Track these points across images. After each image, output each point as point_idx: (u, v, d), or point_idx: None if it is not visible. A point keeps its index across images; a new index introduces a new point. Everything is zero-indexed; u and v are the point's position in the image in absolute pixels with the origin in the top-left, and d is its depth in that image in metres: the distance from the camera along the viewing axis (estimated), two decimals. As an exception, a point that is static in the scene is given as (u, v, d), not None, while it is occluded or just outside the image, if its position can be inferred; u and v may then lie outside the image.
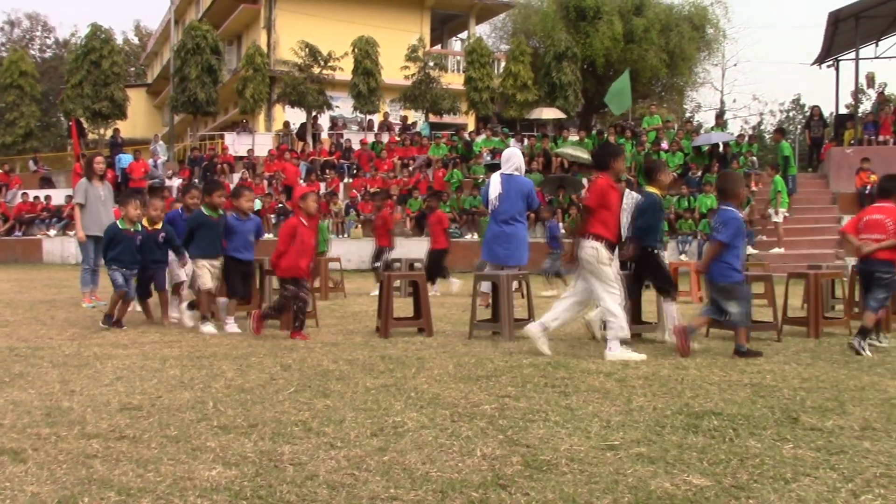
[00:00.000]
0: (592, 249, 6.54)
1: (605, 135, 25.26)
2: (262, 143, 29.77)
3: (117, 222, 8.78)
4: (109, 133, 31.26)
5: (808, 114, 26.44)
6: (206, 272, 8.27)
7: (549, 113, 29.46)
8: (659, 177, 7.81)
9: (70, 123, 31.37)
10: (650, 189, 7.76)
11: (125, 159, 26.73)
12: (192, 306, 8.61)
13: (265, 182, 24.64)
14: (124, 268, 8.58)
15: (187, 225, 8.53)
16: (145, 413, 4.42)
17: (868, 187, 20.05)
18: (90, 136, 32.98)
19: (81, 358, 6.38)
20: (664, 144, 23.63)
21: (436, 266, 13.64)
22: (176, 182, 25.54)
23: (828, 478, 3.30)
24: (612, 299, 6.56)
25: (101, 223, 10.62)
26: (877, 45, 25.71)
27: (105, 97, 30.32)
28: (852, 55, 23.80)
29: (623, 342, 6.55)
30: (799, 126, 53.73)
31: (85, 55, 30.63)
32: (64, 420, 4.25)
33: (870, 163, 20.66)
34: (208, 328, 8.10)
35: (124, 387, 5.17)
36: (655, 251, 7.65)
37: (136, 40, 66.75)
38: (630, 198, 13.89)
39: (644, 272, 7.71)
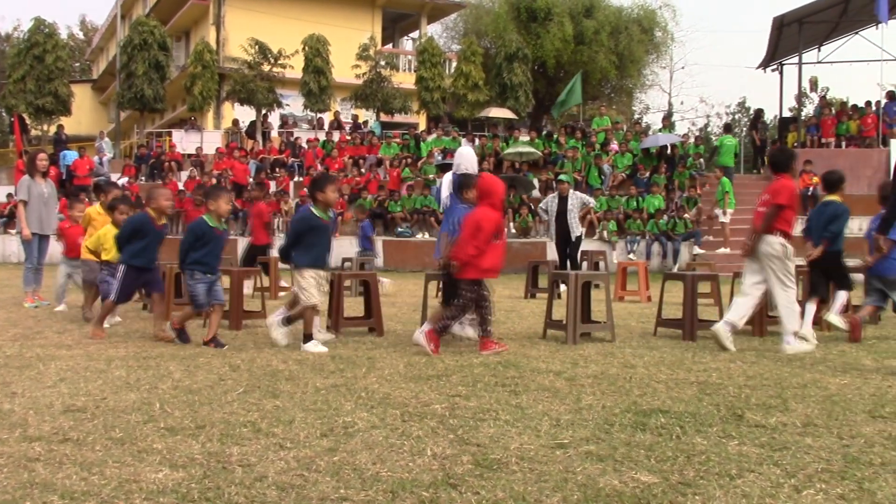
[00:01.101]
0: (781, 246, 6.95)
1: (556, 135, 25.48)
2: (210, 141, 29.40)
3: (205, 218, 7.36)
4: (53, 129, 30.62)
5: (752, 116, 26.96)
6: (314, 284, 7.03)
7: (500, 113, 29.61)
8: (843, 186, 8.31)
9: (12, 119, 30.68)
10: (834, 198, 8.21)
11: (70, 156, 26.22)
12: (288, 321, 7.28)
13: (213, 180, 24.33)
14: (209, 273, 7.24)
15: (293, 228, 7.35)
16: (90, 415, 4.34)
17: (811, 189, 20.51)
18: (33, 133, 32.26)
19: (23, 359, 6.23)
20: (613, 145, 23.90)
21: (251, 261, 13.04)
22: (122, 180, 25.11)
23: (771, 473, 3.37)
24: (789, 294, 6.99)
25: (43, 221, 10.45)
26: (819, 50, 26.36)
27: (49, 93, 29.69)
28: (796, 59, 24.34)
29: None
30: (744, 128, 54.81)
31: (28, 50, 29.95)
32: (5, 423, 4.15)
33: (812, 165, 21.14)
34: (317, 348, 6.84)
35: (68, 388, 5.07)
36: (841, 253, 8.20)
37: (81, 35, 65.42)
38: (575, 198, 14.03)
39: (830, 272, 8.19)
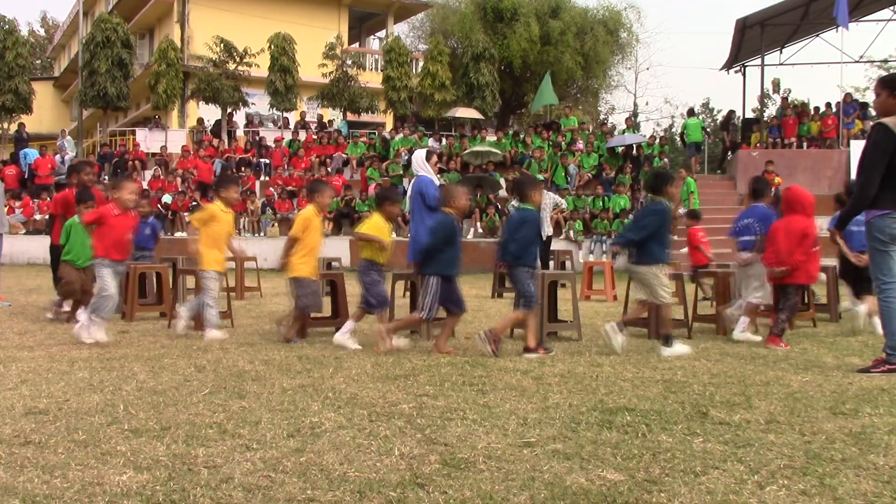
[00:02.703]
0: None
1: (522, 135, 25.55)
2: (175, 140, 29.10)
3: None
4: (14, 128, 30.12)
5: (724, 117, 27.32)
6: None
7: (467, 113, 29.64)
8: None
9: (-29, 118, 30.15)
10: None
11: (31, 155, 25.82)
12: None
13: (178, 179, 24.13)
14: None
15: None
16: (52, 417, 4.28)
17: (773, 189, 20.76)
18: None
19: (-17, 361, 6.13)
20: (579, 145, 24.03)
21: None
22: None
23: (735, 470, 3.41)
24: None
25: None
26: (781, 52, 26.74)
27: (9, 90, 29.17)
28: (758, 61, 24.65)
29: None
30: (708, 129, 55.37)
31: (-13, 46, 29.43)
32: (-36, 426, 4.08)
33: (774, 165, 21.42)
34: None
35: (29, 390, 4.99)
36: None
37: (42, 32, 64.46)
38: (547, 198, 14.07)
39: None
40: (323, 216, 7.93)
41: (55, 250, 9.50)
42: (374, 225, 7.49)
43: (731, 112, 27.57)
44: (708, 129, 24.23)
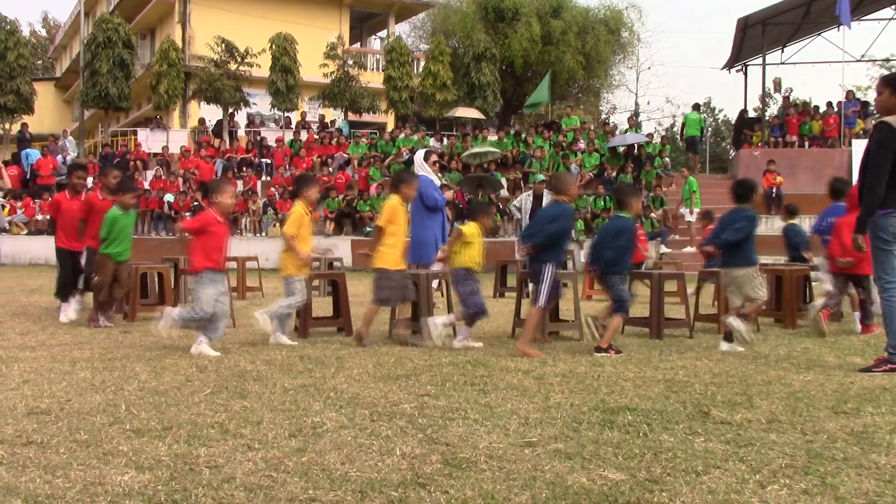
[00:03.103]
0: None
1: (524, 135, 25.54)
2: (176, 140, 29.09)
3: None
4: (16, 128, 30.12)
5: (737, 116, 27.19)
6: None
7: (468, 113, 29.63)
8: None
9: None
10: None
11: (33, 155, 25.82)
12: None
13: (179, 180, 24.14)
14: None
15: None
16: (54, 417, 4.28)
17: (774, 189, 20.78)
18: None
19: (-15, 361, 6.14)
20: (581, 145, 24.02)
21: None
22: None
23: (737, 470, 3.41)
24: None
25: None
26: (782, 51, 26.71)
27: (10, 91, 29.16)
28: (760, 60, 24.63)
29: None
30: (710, 128, 55.28)
31: (-12, 47, 29.45)
32: (-34, 426, 4.09)
33: (776, 164, 21.42)
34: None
35: (31, 390, 5.00)
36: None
37: (43, 32, 64.48)
38: (549, 198, 14.11)
39: None
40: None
41: (60, 252, 9.40)
42: (471, 234, 7.50)
43: (744, 110, 27.45)
44: (706, 128, 24.35)
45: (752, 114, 27.69)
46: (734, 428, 4.12)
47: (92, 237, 8.84)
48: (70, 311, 9.10)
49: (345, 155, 25.60)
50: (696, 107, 27.43)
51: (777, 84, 29.02)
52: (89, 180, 22.12)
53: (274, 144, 26.82)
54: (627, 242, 6.94)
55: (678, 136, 25.66)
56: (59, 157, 26.60)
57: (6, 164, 26.08)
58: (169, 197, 23.09)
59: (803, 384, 5.34)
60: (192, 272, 7.05)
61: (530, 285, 10.25)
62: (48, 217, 9.69)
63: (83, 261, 9.09)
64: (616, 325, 6.87)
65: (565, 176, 7.66)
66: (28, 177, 25.45)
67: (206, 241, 6.85)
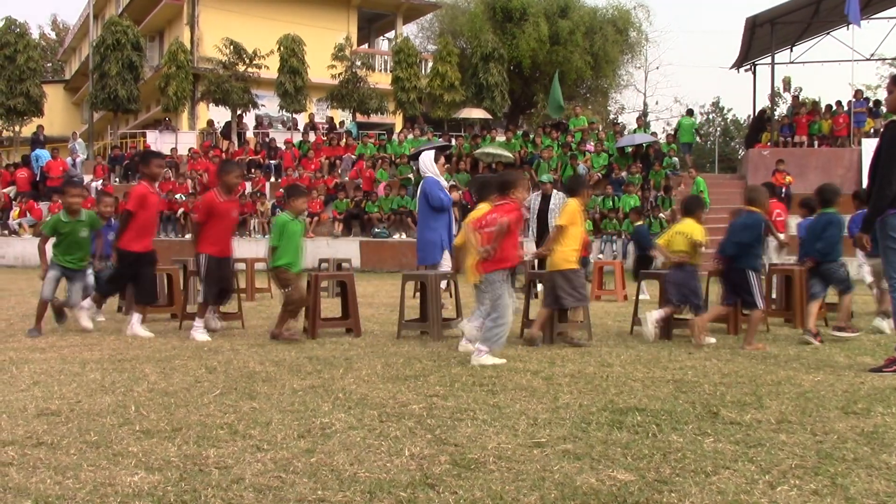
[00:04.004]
0: None
1: (532, 135, 25.52)
2: (185, 142, 29.19)
3: None
4: (27, 131, 30.24)
5: (756, 115, 27.02)
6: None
7: (476, 113, 29.63)
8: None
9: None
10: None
11: (43, 157, 25.92)
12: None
13: (188, 181, 24.20)
14: None
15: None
16: (64, 418, 4.30)
17: (783, 188, 20.69)
18: (5, 134, 31.85)
19: (-4, 363, 6.16)
20: (589, 145, 23.98)
21: None
22: (97, 182, 24.92)
23: (746, 470, 3.40)
24: None
25: None
26: (791, 50, 26.58)
27: (20, 93, 29.32)
28: (768, 59, 24.54)
29: None
30: (718, 128, 55.15)
31: (-2, 50, 29.60)
32: (-23, 427, 4.10)
33: (785, 164, 21.34)
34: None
35: (42, 392, 5.02)
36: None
37: (52, 35, 64.74)
38: (557, 198, 14.09)
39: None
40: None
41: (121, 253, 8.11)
42: (696, 230, 7.94)
43: (763, 111, 27.25)
44: (697, 130, 24.54)
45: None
46: (744, 428, 4.10)
47: (211, 243, 7.82)
48: (83, 318, 8.45)
49: (353, 156, 25.61)
50: (690, 112, 27.39)
51: (787, 83, 28.87)
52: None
53: (282, 146, 26.86)
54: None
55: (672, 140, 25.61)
56: (69, 159, 26.71)
57: (16, 166, 26.23)
58: (180, 196, 23.24)
59: (813, 384, 5.32)
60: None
61: (539, 286, 10.28)
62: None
63: (199, 268, 7.91)
64: (813, 309, 7.78)
65: (762, 191, 8.03)
66: (38, 178, 25.55)
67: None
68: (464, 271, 7.15)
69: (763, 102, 27.40)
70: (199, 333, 7.68)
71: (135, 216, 7.93)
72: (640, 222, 11.72)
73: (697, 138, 28.27)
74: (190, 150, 27.03)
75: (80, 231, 8.24)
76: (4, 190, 25.00)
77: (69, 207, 8.20)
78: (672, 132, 26.63)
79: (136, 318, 8.04)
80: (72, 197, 8.27)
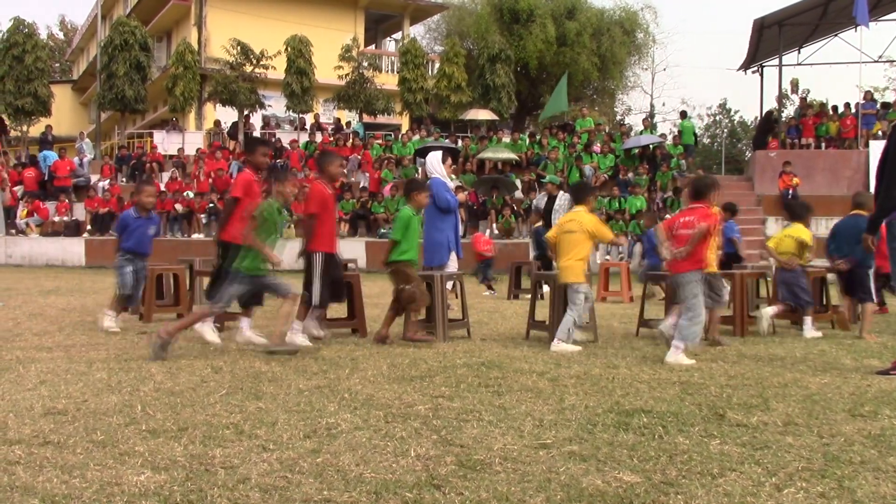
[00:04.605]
0: None
1: (538, 136, 25.51)
2: (192, 142, 29.23)
3: None
4: (35, 130, 30.32)
5: (764, 117, 26.93)
6: None
7: (483, 114, 29.63)
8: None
9: (-10, 120, 30.39)
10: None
11: (50, 157, 25.99)
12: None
13: (194, 182, 24.23)
14: None
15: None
16: (70, 418, 4.31)
17: (790, 190, 20.66)
18: (13, 134, 31.95)
19: (3, 362, 6.18)
20: (596, 147, 23.97)
21: None
22: (104, 182, 24.98)
23: (752, 472, 3.39)
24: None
25: None
26: (799, 52, 26.53)
27: (28, 93, 29.39)
28: (776, 61, 24.49)
29: None
30: (725, 129, 55.03)
31: (7, 50, 29.63)
32: (-16, 426, 4.12)
33: (792, 166, 21.29)
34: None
35: (48, 391, 5.03)
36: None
37: (60, 35, 64.88)
38: (563, 199, 14.09)
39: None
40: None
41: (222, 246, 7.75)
42: (804, 233, 8.34)
43: (770, 112, 27.19)
44: (696, 134, 24.48)
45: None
46: (750, 430, 4.09)
47: (324, 238, 7.49)
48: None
49: (359, 157, 25.62)
50: (684, 114, 27.25)
51: (794, 85, 28.79)
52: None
53: (289, 146, 26.89)
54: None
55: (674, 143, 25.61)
56: (77, 159, 26.77)
57: (24, 165, 26.31)
58: (189, 194, 23.30)
59: (820, 386, 5.31)
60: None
61: (545, 287, 10.28)
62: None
63: (311, 268, 7.47)
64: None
65: (869, 196, 8.06)
66: (45, 178, 25.62)
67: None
68: (556, 267, 7.52)
69: (770, 104, 27.29)
70: (298, 337, 7.20)
71: (241, 203, 7.60)
72: (653, 227, 11.77)
73: (706, 139, 28.09)
74: (197, 150, 27.08)
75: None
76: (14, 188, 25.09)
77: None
78: (677, 133, 26.62)
79: (245, 322, 7.78)
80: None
